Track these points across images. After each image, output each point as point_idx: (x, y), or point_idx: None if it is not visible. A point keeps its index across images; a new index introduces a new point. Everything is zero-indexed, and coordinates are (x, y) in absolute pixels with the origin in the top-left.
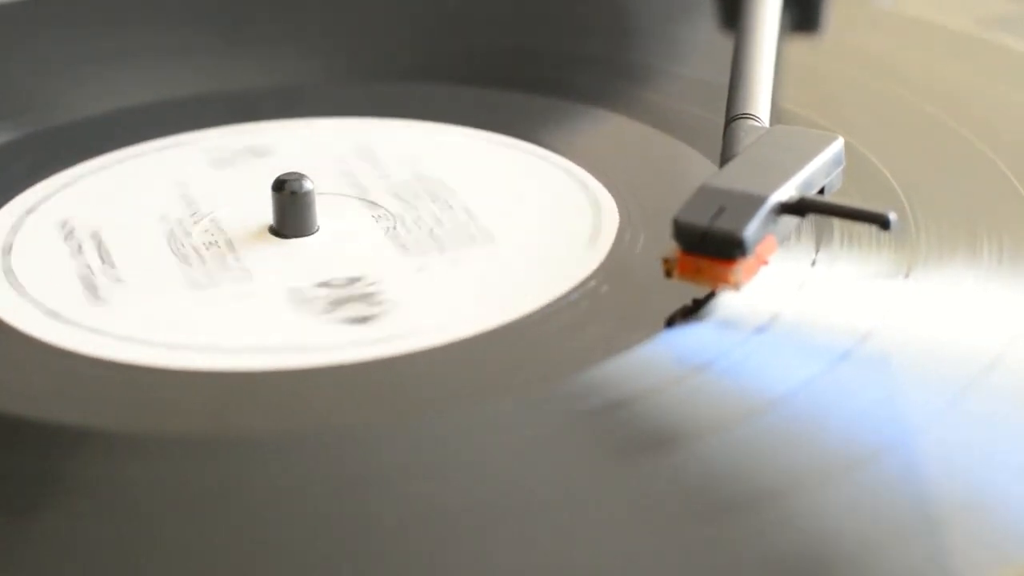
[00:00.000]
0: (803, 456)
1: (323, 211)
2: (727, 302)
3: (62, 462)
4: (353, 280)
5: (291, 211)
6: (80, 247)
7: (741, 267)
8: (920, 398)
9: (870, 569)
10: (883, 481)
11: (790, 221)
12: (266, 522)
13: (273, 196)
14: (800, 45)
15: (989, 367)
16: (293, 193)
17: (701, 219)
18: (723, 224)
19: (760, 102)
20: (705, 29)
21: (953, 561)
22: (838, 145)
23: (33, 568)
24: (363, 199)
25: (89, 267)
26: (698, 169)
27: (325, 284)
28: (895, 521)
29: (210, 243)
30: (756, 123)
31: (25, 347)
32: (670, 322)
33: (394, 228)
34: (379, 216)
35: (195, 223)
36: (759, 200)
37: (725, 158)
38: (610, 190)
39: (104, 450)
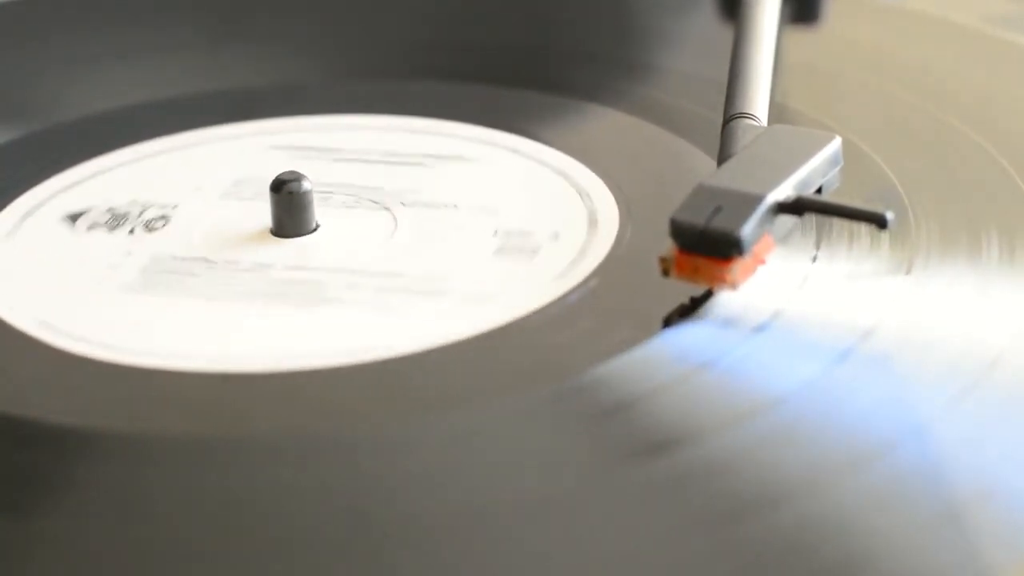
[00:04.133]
0: (806, 455)
1: (321, 210)
2: (728, 300)
3: (62, 462)
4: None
5: (290, 211)
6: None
7: (738, 266)
8: (923, 395)
9: (877, 566)
10: (888, 478)
11: (787, 220)
12: (267, 522)
13: (272, 196)
14: (801, 41)
15: (992, 363)
16: (291, 193)
17: (698, 218)
18: (720, 223)
19: (758, 102)
20: (706, 25)
21: (961, 557)
22: (835, 145)
23: (33, 568)
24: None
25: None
26: (698, 167)
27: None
28: (901, 518)
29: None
30: (754, 123)
31: (26, 347)
32: (667, 322)
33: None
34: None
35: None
36: (756, 199)
37: (723, 158)
38: (610, 188)
39: (104, 450)
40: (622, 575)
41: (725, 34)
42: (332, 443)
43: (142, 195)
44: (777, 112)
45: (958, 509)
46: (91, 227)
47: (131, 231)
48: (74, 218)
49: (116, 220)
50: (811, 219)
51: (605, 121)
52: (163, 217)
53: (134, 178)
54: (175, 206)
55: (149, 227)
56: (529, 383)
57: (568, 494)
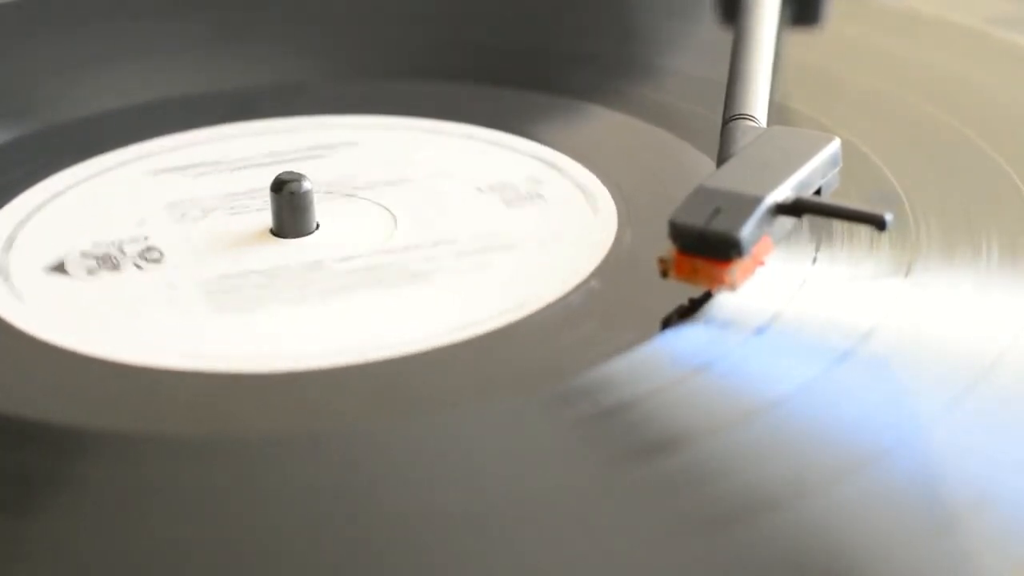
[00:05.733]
0: (805, 457)
1: (320, 210)
2: (727, 302)
3: (62, 462)
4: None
5: (291, 211)
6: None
7: (737, 268)
8: (922, 398)
9: (875, 569)
10: (886, 482)
11: (786, 222)
12: (266, 522)
13: (272, 197)
14: (800, 42)
15: (991, 366)
16: (292, 194)
17: (697, 220)
18: (719, 225)
19: (757, 103)
20: (705, 25)
21: (957, 560)
22: (835, 146)
23: (33, 568)
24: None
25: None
26: (698, 168)
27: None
28: (898, 522)
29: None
30: (753, 124)
31: (26, 347)
32: (666, 323)
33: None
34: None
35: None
36: (755, 201)
37: (722, 159)
38: (609, 189)
39: (104, 450)
40: None
41: (725, 35)
42: (332, 443)
43: (102, 236)
44: (777, 114)
45: (957, 512)
46: (91, 272)
47: (138, 267)
48: (59, 269)
49: (107, 262)
50: (810, 221)
51: (605, 121)
52: (150, 248)
53: (71, 221)
54: (145, 237)
55: (148, 259)
56: (528, 384)
57: (567, 495)
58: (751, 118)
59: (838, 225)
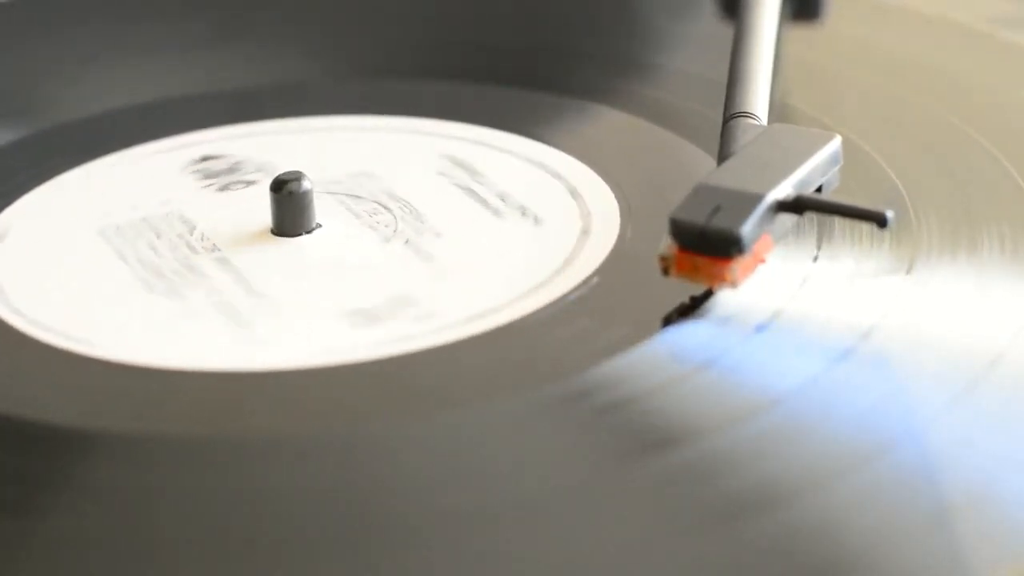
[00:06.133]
0: (806, 455)
1: (319, 210)
2: (729, 299)
3: (62, 462)
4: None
5: (290, 211)
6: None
7: (738, 265)
8: (923, 394)
9: (875, 566)
10: (888, 478)
11: (787, 219)
12: (267, 522)
13: (272, 196)
14: (802, 40)
15: (993, 362)
16: (291, 193)
17: (698, 217)
18: (720, 222)
19: (758, 101)
20: (706, 24)
21: (959, 558)
22: (835, 144)
23: (33, 568)
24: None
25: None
26: (699, 166)
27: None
28: (899, 518)
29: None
30: (754, 122)
31: (25, 348)
32: (667, 321)
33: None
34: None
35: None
36: (756, 198)
37: (722, 157)
38: (611, 187)
39: (104, 450)
40: (621, 575)
41: (725, 33)
42: (333, 443)
43: (280, 160)
44: (778, 112)
45: (957, 509)
46: (194, 172)
47: (208, 186)
48: (204, 159)
49: (222, 174)
50: (812, 218)
51: (605, 121)
52: (251, 183)
53: (296, 144)
54: (241, 170)
55: (227, 188)
56: (529, 383)
57: (567, 494)
58: (752, 116)
59: (839, 223)
